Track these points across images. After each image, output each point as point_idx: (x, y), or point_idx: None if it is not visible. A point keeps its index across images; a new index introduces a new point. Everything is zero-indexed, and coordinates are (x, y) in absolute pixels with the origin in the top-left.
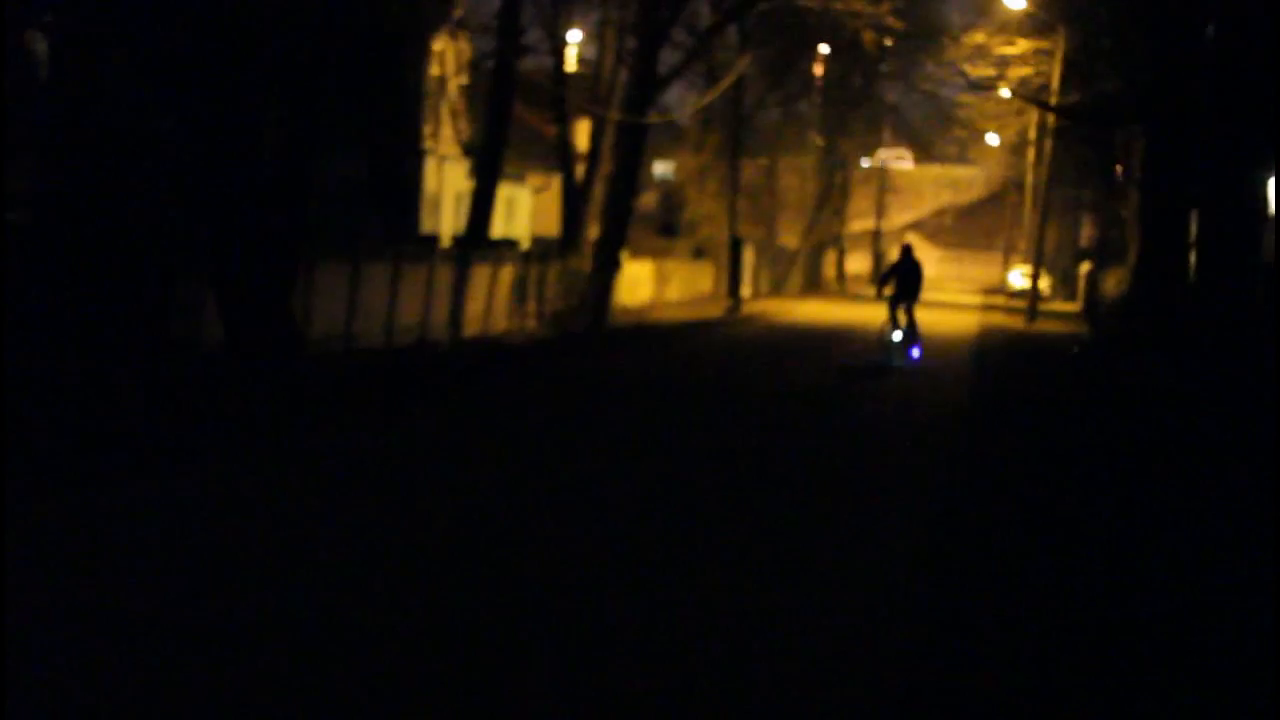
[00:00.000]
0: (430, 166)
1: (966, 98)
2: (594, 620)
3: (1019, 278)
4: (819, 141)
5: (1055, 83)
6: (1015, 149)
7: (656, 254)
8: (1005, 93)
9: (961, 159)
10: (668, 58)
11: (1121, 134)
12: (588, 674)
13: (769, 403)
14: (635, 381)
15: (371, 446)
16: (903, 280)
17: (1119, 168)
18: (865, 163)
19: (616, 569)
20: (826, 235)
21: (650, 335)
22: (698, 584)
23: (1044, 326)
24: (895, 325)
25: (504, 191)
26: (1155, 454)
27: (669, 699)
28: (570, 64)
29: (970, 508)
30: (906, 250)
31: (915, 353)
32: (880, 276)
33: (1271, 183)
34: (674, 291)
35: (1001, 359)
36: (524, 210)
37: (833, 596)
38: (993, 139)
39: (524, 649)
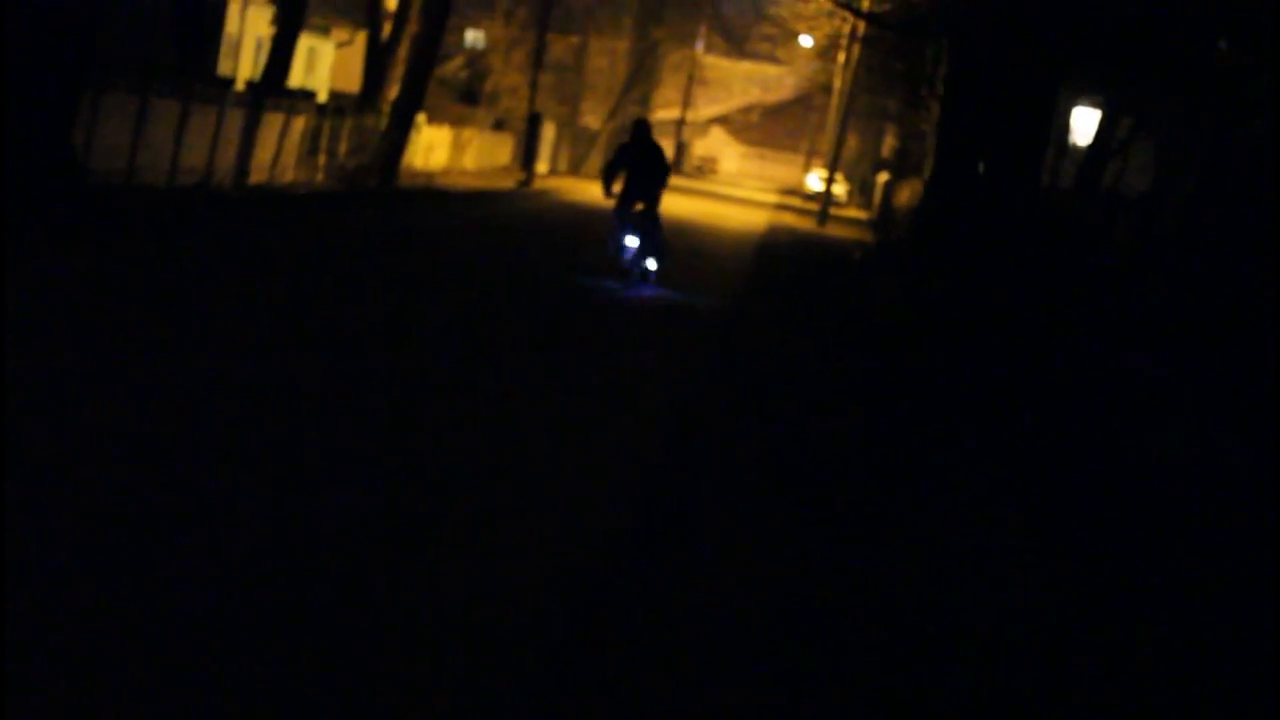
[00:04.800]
0: (233, 8)
1: None
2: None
3: (816, 181)
4: (630, 24)
5: None
6: (825, 53)
7: (457, 121)
8: None
9: (772, 58)
10: None
11: (930, 48)
12: None
13: (500, 291)
14: (399, 242)
15: (129, 274)
16: (638, 169)
17: (923, 82)
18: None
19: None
20: (630, 120)
21: (435, 198)
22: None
23: (833, 231)
24: (627, 233)
25: (306, 42)
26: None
27: None
28: None
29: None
30: (641, 128)
31: (651, 265)
32: (607, 164)
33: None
34: (470, 160)
35: (783, 255)
36: (325, 63)
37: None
38: (805, 40)
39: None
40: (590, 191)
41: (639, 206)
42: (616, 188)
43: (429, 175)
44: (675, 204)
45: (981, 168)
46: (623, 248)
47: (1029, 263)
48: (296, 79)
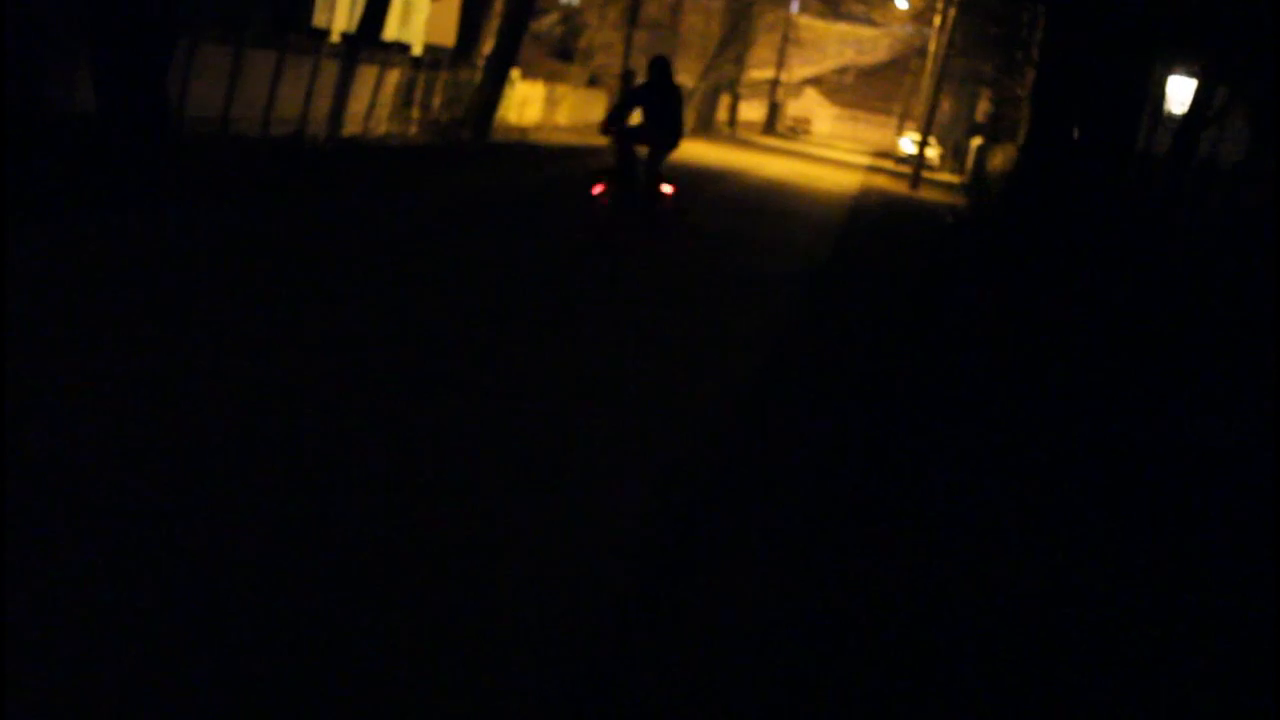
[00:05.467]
0: None
1: None
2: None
3: (909, 144)
4: None
5: None
6: (921, 15)
7: (550, 78)
8: None
9: (867, 20)
10: None
11: (1026, 12)
12: None
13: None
14: (493, 198)
15: (231, 223)
16: (651, 113)
17: (1018, 47)
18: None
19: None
20: (723, 79)
21: (527, 154)
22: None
23: (926, 194)
24: (624, 182)
25: None
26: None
27: None
28: None
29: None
30: (659, 66)
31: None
32: (615, 104)
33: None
34: (563, 116)
35: (875, 216)
36: (420, 16)
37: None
38: (901, 2)
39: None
40: (686, 150)
41: (642, 151)
42: (635, 120)
43: (522, 130)
44: (769, 164)
45: (1076, 134)
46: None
47: (1117, 230)
48: (391, 32)
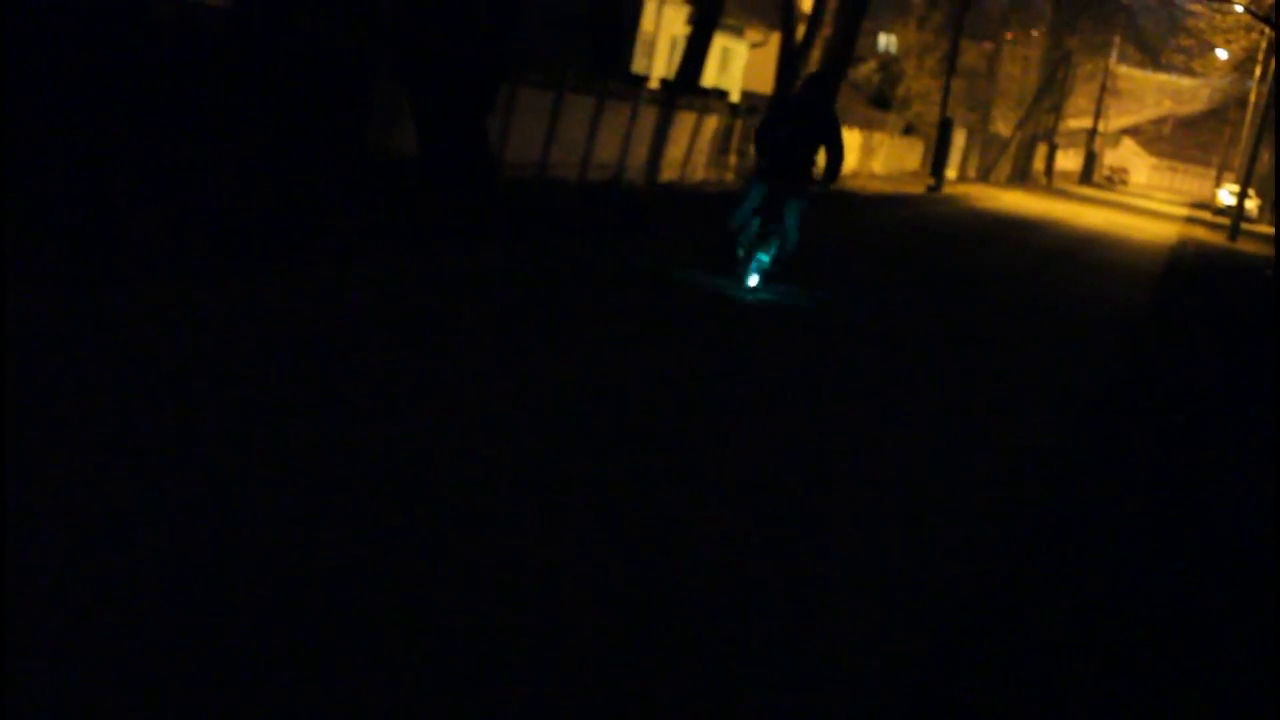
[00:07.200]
0: (650, 7)
1: (1198, 7)
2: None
3: (1228, 195)
4: (1044, 31)
5: None
6: (1242, 65)
7: (867, 125)
8: (1238, 7)
9: (1187, 70)
10: None
11: None
12: None
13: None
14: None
15: (543, 271)
16: (794, 141)
17: None
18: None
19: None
20: (1040, 129)
21: (843, 202)
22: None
23: (1244, 246)
24: (753, 203)
25: (720, 41)
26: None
27: None
28: None
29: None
30: (815, 85)
31: (765, 256)
32: (762, 124)
33: None
34: (879, 164)
35: (1192, 266)
36: (738, 63)
37: None
38: (1221, 53)
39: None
40: (1001, 199)
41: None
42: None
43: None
44: (1085, 214)
45: None
46: (743, 217)
47: None
48: (709, 78)
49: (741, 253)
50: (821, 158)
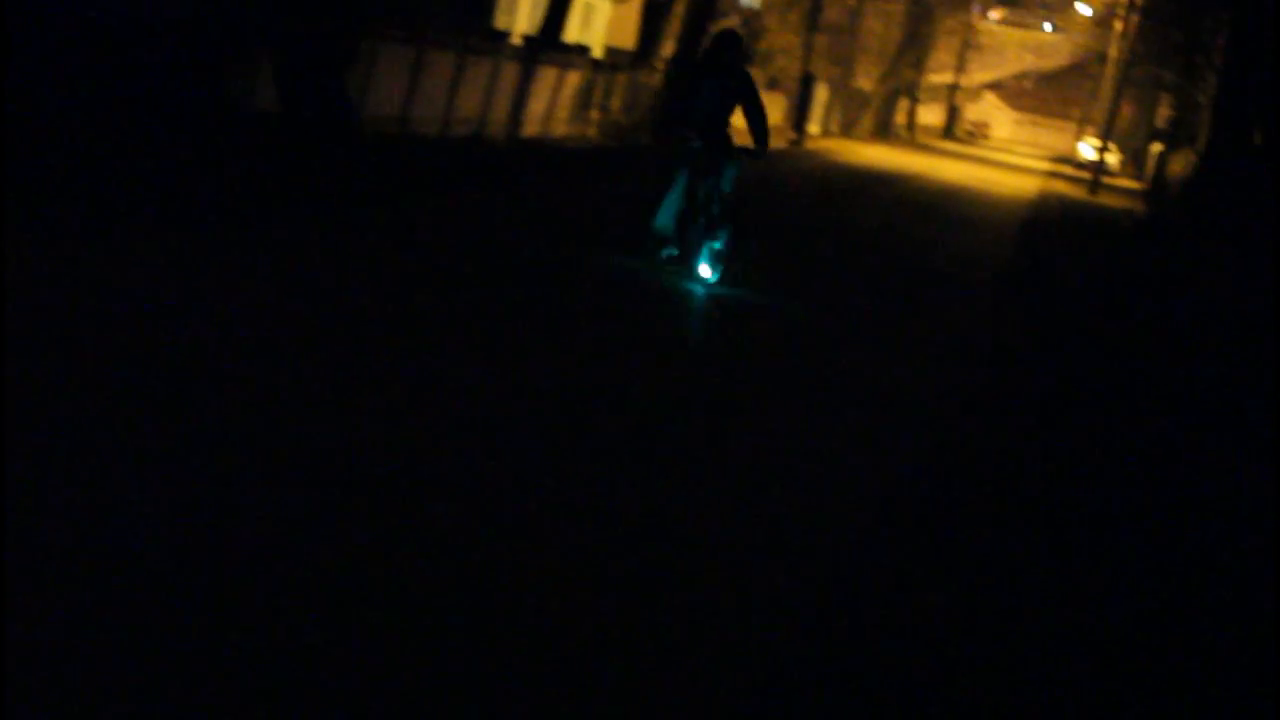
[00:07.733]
0: None
1: None
2: None
3: (1089, 149)
4: None
5: None
6: (1102, 21)
7: None
8: None
9: (1048, 25)
10: None
11: (1208, 19)
12: None
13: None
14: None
15: (415, 222)
16: (717, 106)
17: (1200, 53)
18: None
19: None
20: (902, 83)
21: None
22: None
23: (1105, 200)
24: (684, 212)
25: None
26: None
27: None
28: None
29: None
30: (731, 43)
31: (704, 271)
32: (677, 93)
33: None
34: (739, 119)
35: (1054, 220)
36: (601, 19)
37: None
38: (1083, 8)
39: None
40: (861, 154)
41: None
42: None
43: None
44: (946, 168)
45: (1259, 139)
46: (668, 220)
47: None
48: (572, 33)
49: (667, 253)
50: (738, 121)
